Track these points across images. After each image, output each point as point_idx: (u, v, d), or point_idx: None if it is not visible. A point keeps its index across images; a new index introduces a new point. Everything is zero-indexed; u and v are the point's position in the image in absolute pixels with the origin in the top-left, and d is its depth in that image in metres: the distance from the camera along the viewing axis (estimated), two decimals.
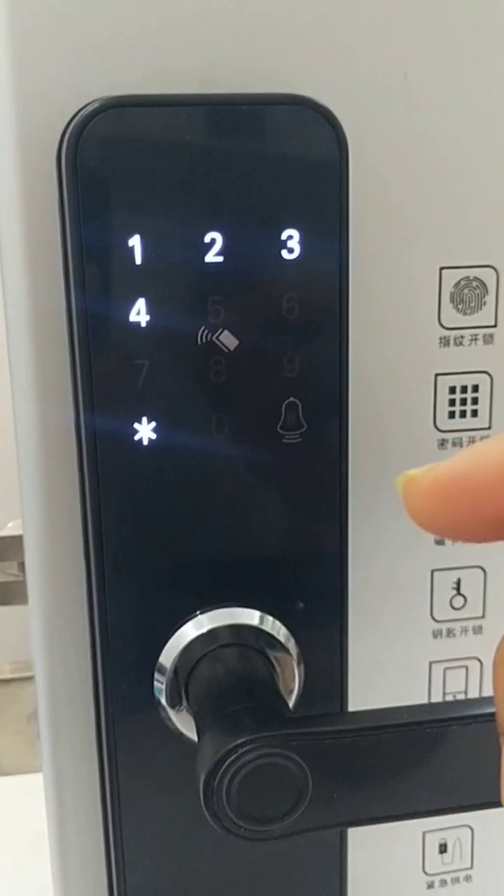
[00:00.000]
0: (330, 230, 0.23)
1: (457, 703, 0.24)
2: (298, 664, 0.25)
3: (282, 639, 0.25)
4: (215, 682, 0.24)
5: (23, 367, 0.25)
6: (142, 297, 0.23)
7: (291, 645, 0.25)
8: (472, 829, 0.31)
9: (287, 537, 0.25)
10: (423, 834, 0.31)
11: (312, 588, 0.25)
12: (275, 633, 0.25)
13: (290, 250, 0.23)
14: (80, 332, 0.23)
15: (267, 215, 0.23)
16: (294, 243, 0.23)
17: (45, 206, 0.24)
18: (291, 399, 0.24)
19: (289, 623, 0.25)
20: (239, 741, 0.20)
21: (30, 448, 0.25)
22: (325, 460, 0.25)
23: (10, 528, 0.28)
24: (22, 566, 0.29)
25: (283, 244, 0.23)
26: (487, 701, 0.22)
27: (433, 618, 0.29)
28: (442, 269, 0.26)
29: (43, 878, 0.50)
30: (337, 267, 0.23)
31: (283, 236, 0.23)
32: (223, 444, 0.24)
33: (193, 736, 0.25)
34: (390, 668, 0.29)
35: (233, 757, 0.20)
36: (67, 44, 0.23)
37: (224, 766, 0.20)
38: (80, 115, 0.22)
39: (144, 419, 0.23)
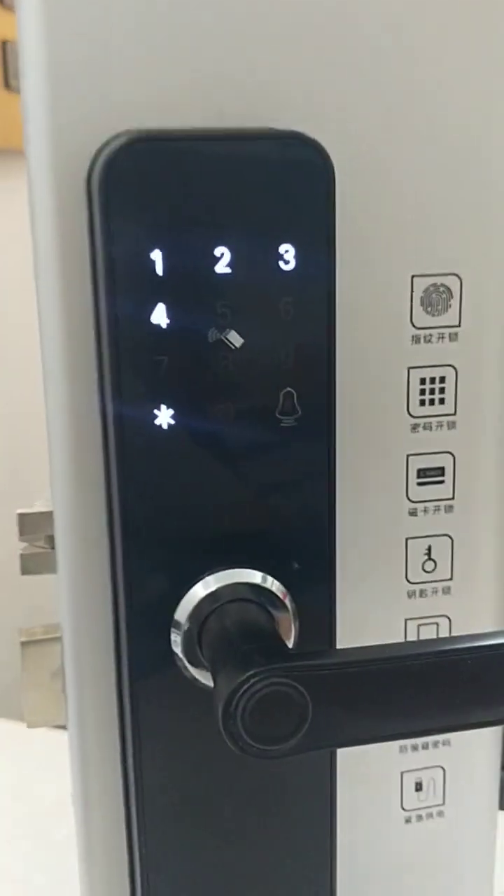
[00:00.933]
0: (320, 244, 0.27)
1: (433, 641, 0.28)
2: (294, 619, 0.29)
3: (280, 595, 0.29)
4: (225, 631, 0.27)
5: (55, 360, 0.29)
6: (162, 302, 0.27)
7: (288, 601, 0.29)
8: (444, 769, 0.35)
9: (284, 507, 0.29)
10: (402, 774, 0.35)
11: (306, 551, 0.29)
12: (274, 590, 0.29)
13: (287, 262, 0.27)
14: (110, 332, 0.27)
15: (267, 232, 0.27)
16: (290, 256, 0.27)
17: (76, 223, 0.27)
18: (288, 389, 0.28)
19: (286, 582, 0.29)
20: (251, 672, 0.24)
21: (60, 433, 0.29)
22: (317, 441, 0.29)
23: (38, 506, 0.32)
24: (48, 539, 0.32)
25: (281, 257, 0.27)
26: (458, 639, 0.26)
27: (408, 580, 0.33)
28: (413, 276, 0.30)
29: (62, 834, 0.53)
30: (326, 276, 0.27)
31: (281, 250, 0.27)
32: (230, 428, 0.28)
33: (208, 682, 0.29)
34: (371, 624, 0.33)
35: (246, 686, 0.24)
36: (98, 79, 0.27)
37: (239, 694, 0.24)
38: (110, 146, 0.26)
39: (163, 406, 0.27)
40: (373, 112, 0.29)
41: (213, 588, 0.29)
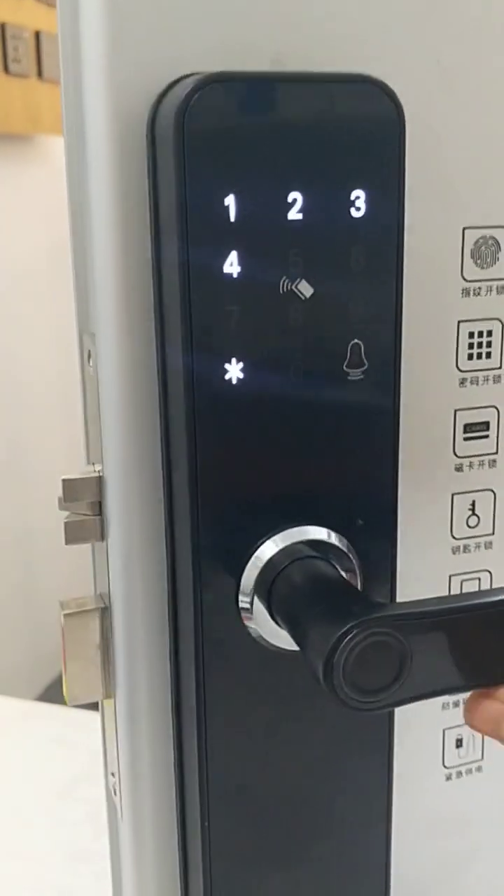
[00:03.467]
0: (390, 191, 0.27)
1: None
2: (360, 574, 0.29)
3: (346, 550, 0.29)
4: (302, 588, 0.27)
5: (107, 317, 0.28)
6: (235, 250, 0.26)
7: (353, 556, 0.29)
8: None
9: (350, 463, 0.28)
10: (443, 731, 0.35)
11: (370, 507, 0.29)
12: (341, 546, 0.28)
13: (358, 209, 0.26)
14: (182, 281, 0.25)
15: (337, 178, 0.26)
16: (361, 202, 0.26)
17: (134, 170, 0.26)
18: (356, 341, 0.27)
19: (350, 538, 0.29)
20: (352, 624, 0.24)
21: (114, 393, 0.28)
22: (383, 395, 0.28)
23: (80, 473, 0.30)
24: (91, 506, 0.31)
25: (352, 203, 0.26)
26: None
27: (453, 536, 0.33)
28: (465, 228, 0.30)
29: (76, 815, 0.52)
30: (395, 224, 0.27)
31: (352, 196, 0.26)
32: (299, 382, 0.27)
33: (275, 641, 0.28)
34: (418, 580, 0.33)
35: (348, 637, 0.24)
36: (154, 24, 0.26)
37: (342, 646, 0.23)
38: (181, 86, 0.25)
39: (234, 360, 0.26)
40: (430, 64, 0.29)
41: (281, 546, 0.28)
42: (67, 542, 0.30)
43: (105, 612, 0.31)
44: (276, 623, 0.28)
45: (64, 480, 0.30)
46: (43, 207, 1.57)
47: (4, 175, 1.48)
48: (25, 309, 1.54)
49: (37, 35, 1.56)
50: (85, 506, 0.31)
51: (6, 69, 1.48)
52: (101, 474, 0.30)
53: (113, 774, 0.33)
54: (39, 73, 1.57)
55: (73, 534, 0.30)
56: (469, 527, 0.33)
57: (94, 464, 0.30)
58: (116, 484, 0.29)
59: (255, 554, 0.28)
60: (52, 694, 1.78)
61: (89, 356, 0.30)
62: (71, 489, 0.30)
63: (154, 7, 0.26)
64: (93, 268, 0.28)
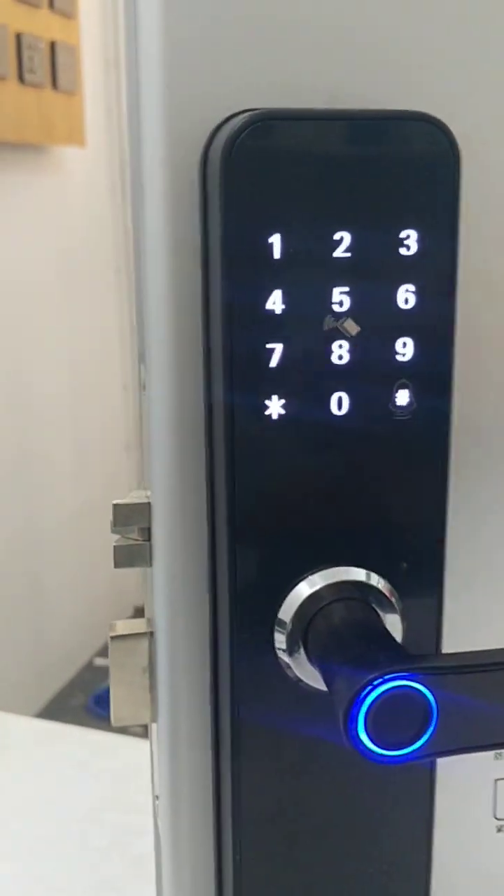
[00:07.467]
0: (443, 230, 0.26)
1: None
2: (403, 620, 0.28)
3: (387, 594, 0.28)
4: (337, 630, 0.26)
5: (158, 348, 0.28)
6: (278, 288, 0.26)
7: (395, 600, 0.28)
8: None
9: (395, 505, 0.28)
10: (495, 781, 0.34)
11: (415, 550, 0.28)
12: (382, 589, 0.28)
13: (408, 248, 0.26)
14: (224, 318, 0.26)
15: (388, 216, 0.26)
16: (411, 241, 0.26)
17: (187, 207, 0.27)
18: (403, 381, 0.27)
19: (393, 582, 0.28)
20: (376, 674, 0.23)
21: (162, 423, 0.28)
22: (432, 437, 0.27)
23: (132, 497, 0.31)
24: (142, 531, 0.31)
25: (402, 242, 0.26)
26: None
27: None
28: None
29: (100, 842, 0.53)
30: (449, 264, 0.26)
31: (402, 235, 0.26)
32: (342, 420, 0.27)
33: (311, 682, 0.28)
34: (480, 633, 0.32)
35: (370, 687, 0.23)
36: (212, 56, 0.26)
37: (363, 696, 0.23)
38: (230, 124, 0.25)
39: (275, 396, 0.26)
40: (490, 103, 0.28)
41: (318, 586, 0.28)
42: (116, 566, 0.31)
43: (154, 636, 0.32)
44: (311, 663, 0.27)
45: (114, 505, 0.31)
46: (55, 217, 1.60)
47: (18, 184, 1.51)
48: (35, 317, 1.56)
49: (52, 45, 1.57)
50: (136, 531, 0.31)
51: (21, 79, 1.50)
52: (150, 500, 0.30)
53: (157, 798, 0.34)
54: (54, 84, 1.58)
55: (122, 558, 0.31)
56: None
57: (146, 489, 0.31)
58: (161, 511, 0.29)
59: (293, 592, 0.28)
60: (53, 709, 1.80)
61: (144, 386, 0.30)
62: (121, 514, 0.31)
63: (213, 39, 0.26)
64: (145, 298, 0.28)
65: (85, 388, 1.73)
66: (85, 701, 1.90)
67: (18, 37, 1.50)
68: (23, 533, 1.63)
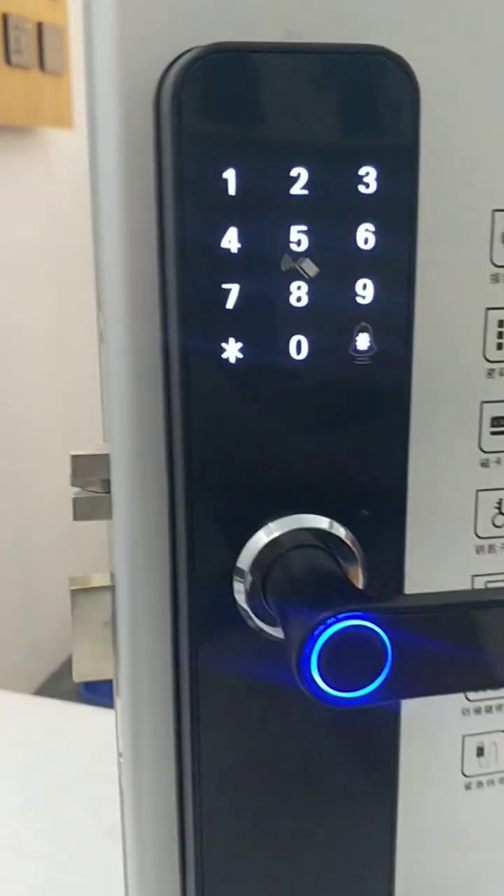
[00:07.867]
0: (402, 168, 0.25)
1: None
2: (363, 568, 0.28)
3: (348, 542, 0.28)
4: (294, 576, 0.26)
5: (113, 293, 0.27)
6: (233, 225, 0.25)
7: (356, 549, 0.28)
8: None
9: (354, 451, 0.27)
10: (463, 738, 0.34)
11: (376, 497, 0.28)
12: (342, 537, 0.27)
13: (367, 185, 0.25)
14: (177, 256, 0.25)
15: (345, 152, 0.25)
16: (370, 179, 0.25)
17: (141, 145, 0.26)
18: (363, 323, 0.26)
19: (354, 530, 0.28)
20: (327, 613, 0.23)
21: (118, 369, 0.28)
22: (392, 382, 0.27)
23: (92, 448, 0.30)
24: (103, 483, 0.31)
25: (361, 179, 0.25)
26: None
27: (476, 535, 0.32)
28: (494, 211, 0.29)
29: (78, 812, 0.52)
30: (408, 202, 0.26)
31: (361, 172, 0.25)
32: (301, 364, 0.26)
33: (272, 631, 0.27)
34: (437, 580, 0.31)
35: (322, 627, 0.23)
36: None
37: (315, 636, 0.23)
38: (183, 59, 0.24)
39: (232, 339, 0.26)
40: (455, 38, 0.27)
41: (276, 534, 0.27)
42: (76, 518, 0.30)
43: (115, 590, 0.31)
44: (270, 610, 0.27)
45: (73, 457, 0.30)
46: (43, 199, 1.58)
47: (4, 166, 1.49)
48: (24, 300, 1.55)
49: (39, 26, 1.55)
50: (97, 483, 0.31)
51: (8, 60, 1.48)
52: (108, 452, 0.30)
53: (121, 755, 0.33)
54: (41, 65, 1.56)
55: (81, 510, 0.30)
56: (495, 526, 0.32)
57: (107, 441, 0.30)
58: (119, 462, 0.29)
59: (251, 540, 0.27)
60: (50, 688, 1.80)
61: (101, 335, 0.30)
62: (80, 465, 0.30)
63: None
64: (100, 242, 0.28)
65: (73, 370, 1.72)
66: (76, 685, 1.89)
67: (5, 17, 1.49)
68: (15, 515, 1.62)
